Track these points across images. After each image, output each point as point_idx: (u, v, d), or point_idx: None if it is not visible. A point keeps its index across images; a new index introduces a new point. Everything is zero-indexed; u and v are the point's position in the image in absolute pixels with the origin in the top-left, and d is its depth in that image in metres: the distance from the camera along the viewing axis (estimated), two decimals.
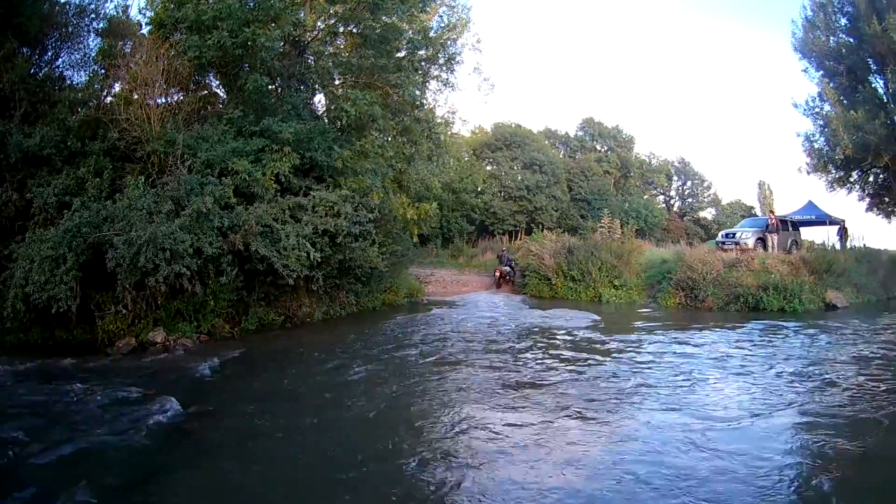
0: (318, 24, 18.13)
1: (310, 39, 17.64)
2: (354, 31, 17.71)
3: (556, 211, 44.64)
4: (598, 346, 12.69)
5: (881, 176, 27.05)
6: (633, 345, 12.76)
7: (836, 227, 28.59)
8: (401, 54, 18.72)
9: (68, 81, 15.33)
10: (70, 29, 15.60)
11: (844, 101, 24.24)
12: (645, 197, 56.00)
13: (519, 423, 7.44)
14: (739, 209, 56.05)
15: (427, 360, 11.38)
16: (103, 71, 14.92)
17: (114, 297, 11.80)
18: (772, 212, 29.69)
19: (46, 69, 15.32)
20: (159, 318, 12.59)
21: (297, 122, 14.81)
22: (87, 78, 15.25)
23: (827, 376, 9.84)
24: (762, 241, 24.29)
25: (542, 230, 29.17)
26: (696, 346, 12.70)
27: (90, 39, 15.95)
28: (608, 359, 11.26)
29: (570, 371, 10.25)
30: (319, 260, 13.67)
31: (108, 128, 13.28)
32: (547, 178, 44.18)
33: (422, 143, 21.13)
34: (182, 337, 12.51)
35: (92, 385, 8.77)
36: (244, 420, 7.67)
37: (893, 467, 6.16)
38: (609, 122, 57.20)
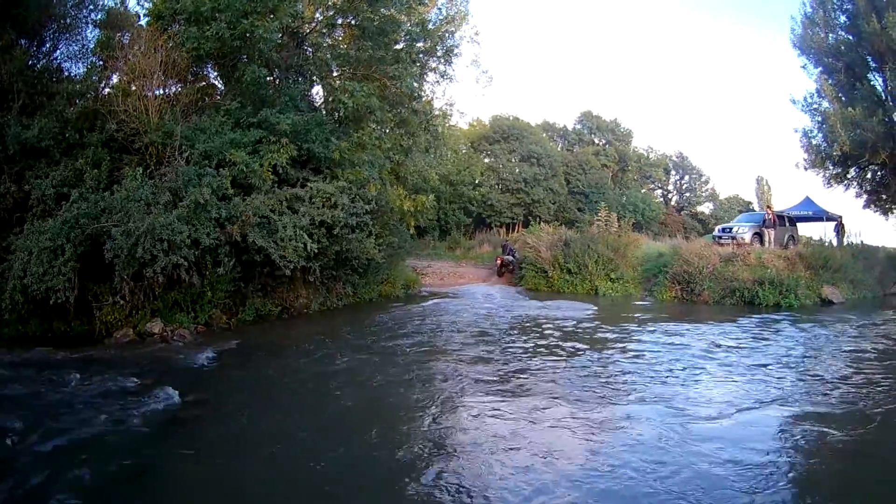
0: (317, 15, 18.10)
1: (308, 31, 17.62)
2: (353, 22, 17.66)
3: (553, 204, 44.64)
4: (589, 337, 12.80)
5: (879, 173, 27.09)
6: (625, 337, 12.88)
7: (833, 223, 28.67)
8: (399, 46, 18.69)
9: (66, 73, 15.32)
10: (68, 20, 15.53)
11: (843, 98, 24.28)
12: (643, 191, 56.00)
13: (499, 412, 7.54)
14: (737, 204, 55.96)
15: (417, 350, 11.50)
16: (101, 62, 14.91)
17: (111, 288, 11.85)
18: (769, 207, 29.76)
19: (44, 61, 15.27)
20: (157, 309, 12.66)
21: (294, 113, 14.83)
22: (86, 69, 15.24)
23: (816, 371, 9.94)
24: (759, 235, 24.39)
25: (540, 223, 29.11)
26: (687, 339, 12.77)
27: (88, 31, 15.90)
28: (597, 351, 11.35)
29: (558, 362, 10.36)
30: (316, 251, 13.73)
31: (106, 119, 13.30)
32: (544, 170, 44.19)
33: (419, 135, 21.09)
34: (179, 328, 12.56)
35: (90, 375, 8.84)
36: (240, 409, 7.77)
37: (875, 462, 6.20)
38: (607, 116, 57.19)
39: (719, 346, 12.03)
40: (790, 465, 5.89)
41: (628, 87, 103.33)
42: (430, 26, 20.66)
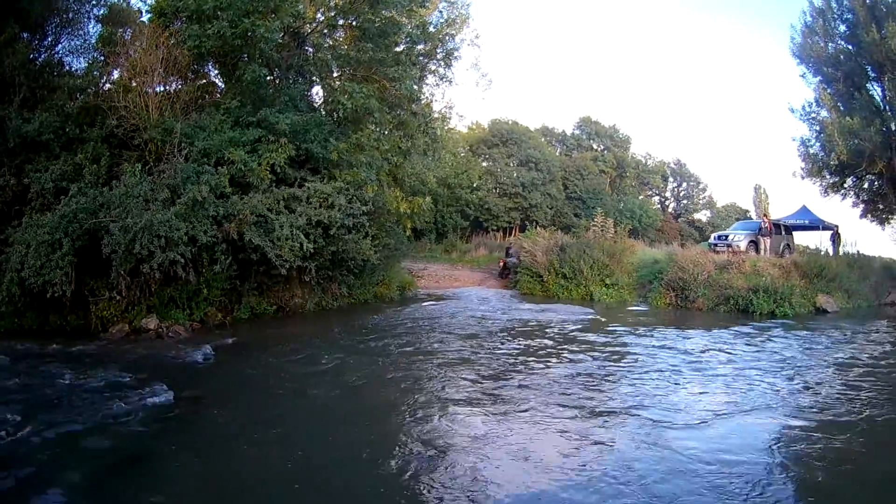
0: (318, 15, 18.20)
1: (309, 31, 17.70)
2: (353, 23, 17.72)
3: (550, 209, 44.76)
4: (577, 342, 12.77)
5: (875, 183, 27.16)
6: (614, 342, 12.90)
7: (829, 232, 28.73)
8: (399, 48, 18.78)
9: (67, 67, 15.41)
10: (70, 15, 15.64)
11: (841, 108, 24.35)
12: (640, 197, 56.18)
13: (476, 414, 7.58)
14: (734, 212, 56.12)
15: (403, 350, 11.60)
16: (103, 58, 14.97)
17: (108, 283, 11.91)
18: (765, 215, 29.83)
19: (46, 55, 15.36)
20: (153, 305, 12.71)
21: (293, 113, 14.89)
22: (87, 64, 15.32)
23: (803, 379, 9.91)
24: (754, 243, 24.43)
25: (536, 227, 29.19)
26: (677, 345, 12.75)
27: (90, 26, 16.04)
28: (585, 355, 11.35)
29: (543, 366, 10.37)
30: (312, 251, 13.78)
31: (106, 115, 13.35)
32: (542, 175, 44.29)
33: (418, 138, 21.15)
34: (175, 324, 12.63)
35: (85, 370, 8.91)
36: (232, 405, 7.87)
37: (853, 470, 6.13)
38: (606, 122, 57.49)
39: (707, 353, 12.01)
40: (765, 472, 5.83)
41: (627, 93, 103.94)
42: (431, 29, 20.81)
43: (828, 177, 26.69)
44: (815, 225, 29.38)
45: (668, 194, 63.48)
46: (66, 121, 13.04)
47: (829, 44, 24.99)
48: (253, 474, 5.70)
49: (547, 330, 14.19)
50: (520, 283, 24.02)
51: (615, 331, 14.52)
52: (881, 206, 27.55)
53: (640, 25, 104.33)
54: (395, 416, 7.58)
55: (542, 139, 51.75)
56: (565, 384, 9.15)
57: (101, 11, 16.10)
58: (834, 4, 24.61)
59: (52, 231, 11.22)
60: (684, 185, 62.79)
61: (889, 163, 23.53)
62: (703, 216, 61.07)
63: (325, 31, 18.35)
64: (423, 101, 21.21)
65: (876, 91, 24.28)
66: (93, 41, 15.70)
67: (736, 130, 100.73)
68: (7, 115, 12.71)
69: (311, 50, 17.88)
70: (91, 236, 11.52)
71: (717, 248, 24.22)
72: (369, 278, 18.45)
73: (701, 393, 8.96)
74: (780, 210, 39.11)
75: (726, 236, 25.59)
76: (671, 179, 62.75)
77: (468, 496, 5.25)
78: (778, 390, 9.13)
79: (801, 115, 26.35)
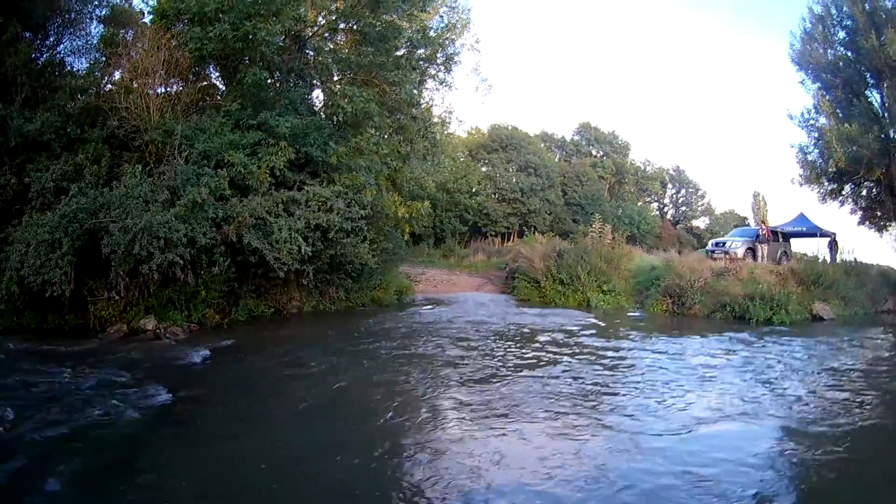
0: (319, 19, 18.27)
1: (310, 35, 17.75)
2: (354, 27, 17.80)
3: (549, 214, 44.82)
4: (571, 347, 12.76)
5: (873, 190, 27.06)
6: (607, 348, 12.85)
7: (826, 240, 28.74)
8: (400, 53, 18.85)
9: (69, 68, 15.51)
10: (73, 15, 15.72)
11: (839, 114, 24.30)
12: (639, 203, 56.31)
13: (457, 417, 7.62)
14: (733, 219, 56.15)
15: (395, 354, 11.62)
16: (104, 58, 15.05)
17: (107, 283, 11.98)
18: (763, 222, 29.79)
19: (48, 55, 15.44)
20: (151, 305, 12.77)
21: (293, 116, 14.95)
22: (88, 65, 15.40)
23: (795, 386, 9.86)
24: (752, 250, 24.46)
25: (535, 233, 29.19)
26: (671, 352, 12.70)
27: (92, 26, 16.12)
28: (576, 360, 11.34)
29: (533, 370, 10.36)
30: (311, 254, 13.82)
31: (107, 115, 13.42)
32: (541, 181, 44.38)
33: (417, 142, 21.19)
34: (172, 325, 12.67)
35: (82, 368, 8.96)
36: (227, 406, 7.94)
37: (837, 477, 6.10)
38: (605, 128, 57.69)
39: (700, 359, 12.00)
40: (746, 478, 5.80)
41: (627, 99, 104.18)
42: (432, 33, 20.84)
43: (826, 184, 26.64)
44: (813, 232, 29.35)
45: (666, 201, 63.66)
46: (67, 121, 13.10)
47: (829, 50, 24.97)
48: (239, 472, 5.76)
49: (541, 335, 14.20)
50: (517, 288, 24.00)
51: (609, 336, 14.51)
52: (879, 213, 27.49)
53: (640, 32, 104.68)
54: (378, 419, 7.59)
55: (542, 145, 51.91)
56: (551, 389, 9.12)
57: (104, 12, 16.19)
58: (833, 11, 24.60)
59: (52, 231, 11.28)
60: (683, 191, 62.98)
61: (887, 170, 23.52)
62: (701, 223, 61.29)
63: (326, 34, 18.42)
64: (422, 106, 21.26)
65: (874, 98, 24.23)
66: (94, 42, 15.79)
67: (735, 137, 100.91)
68: (9, 114, 12.78)
69: (311, 53, 17.94)
70: (91, 236, 11.58)
71: (715, 255, 24.27)
72: (367, 282, 18.45)
73: (688, 399, 8.84)
74: (778, 217, 39.23)
75: (724, 243, 25.64)
76: (670, 186, 62.94)
77: (440, 496, 5.31)
78: (767, 397, 9.08)
79: (800, 121, 26.30)
